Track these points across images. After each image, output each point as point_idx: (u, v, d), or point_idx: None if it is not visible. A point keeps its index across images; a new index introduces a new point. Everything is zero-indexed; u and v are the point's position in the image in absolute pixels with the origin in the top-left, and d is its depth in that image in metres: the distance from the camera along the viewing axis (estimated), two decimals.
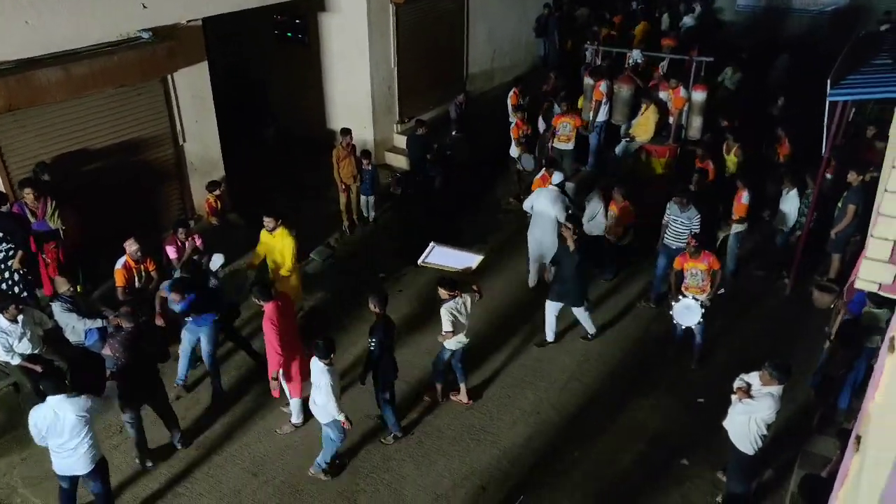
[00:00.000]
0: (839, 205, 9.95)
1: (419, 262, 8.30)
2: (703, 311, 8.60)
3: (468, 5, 15.32)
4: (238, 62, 14.66)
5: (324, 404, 6.92)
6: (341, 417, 6.97)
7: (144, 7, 8.85)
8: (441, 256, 8.26)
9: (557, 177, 10.15)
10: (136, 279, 8.75)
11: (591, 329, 9.49)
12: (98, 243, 9.26)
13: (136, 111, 9.77)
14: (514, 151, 12.62)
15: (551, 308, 9.26)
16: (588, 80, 13.06)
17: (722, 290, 9.30)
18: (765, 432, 6.48)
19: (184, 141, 10.39)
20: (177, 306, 7.92)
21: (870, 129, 11.69)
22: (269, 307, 7.35)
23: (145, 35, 9.20)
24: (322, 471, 7.49)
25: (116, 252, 8.62)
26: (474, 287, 8.01)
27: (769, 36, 20.04)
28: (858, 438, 1.81)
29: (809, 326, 9.54)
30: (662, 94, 12.78)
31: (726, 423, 6.79)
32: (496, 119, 13.97)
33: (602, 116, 13.17)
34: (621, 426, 8.22)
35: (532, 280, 10.55)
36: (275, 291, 7.63)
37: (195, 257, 9.56)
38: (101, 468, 6.59)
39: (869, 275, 3.86)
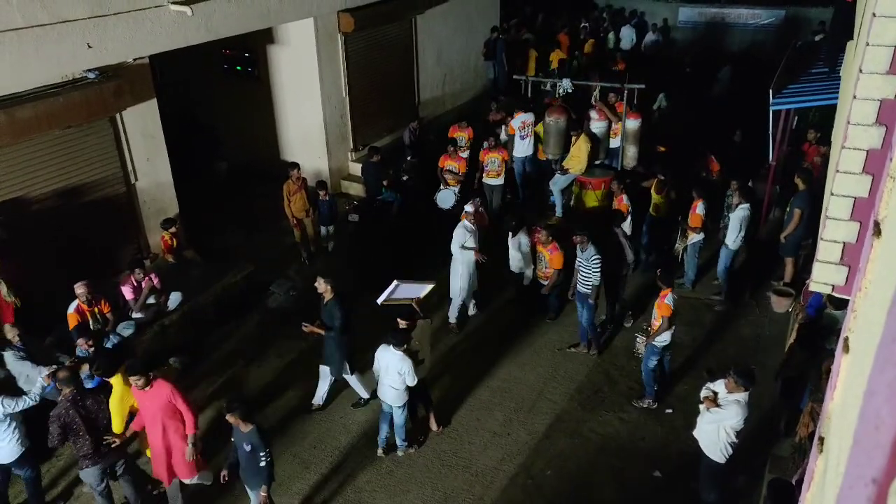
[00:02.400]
0: (787, 209, 10.19)
1: (379, 302, 8.14)
2: (637, 346, 8.73)
3: (416, 31, 15.43)
4: (186, 100, 14.53)
5: (402, 388, 7.52)
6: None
7: (90, 47, 8.73)
8: (399, 292, 8.18)
9: (469, 206, 9.99)
10: (91, 322, 8.55)
11: (362, 394, 8.73)
12: (52, 288, 9.04)
13: (86, 152, 9.59)
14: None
15: (322, 371, 8.65)
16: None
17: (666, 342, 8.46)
18: (734, 439, 6.54)
19: (136, 180, 10.22)
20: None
21: (811, 132, 12.03)
22: (159, 381, 6.76)
23: (91, 75, 9.07)
24: (408, 447, 8.10)
25: (71, 296, 8.43)
26: (421, 315, 8.02)
27: (711, 49, 20.60)
28: (822, 440, 1.83)
29: (770, 331, 9.70)
30: (596, 126, 12.28)
31: (696, 433, 6.85)
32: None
33: (523, 151, 12.92)
34: (593, 442, 8.23)
35: (451, 315, 10.13)
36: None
37: (153, 296, 9.41)
38: (28, 456, 7.04)
39: (822, 277, 3.94)
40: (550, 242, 9.54)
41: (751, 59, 19.17)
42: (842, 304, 7.46)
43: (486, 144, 12.44)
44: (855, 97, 3.45)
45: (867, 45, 3.35)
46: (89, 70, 9.03)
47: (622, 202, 10.63)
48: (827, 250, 3.83)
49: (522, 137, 12.79)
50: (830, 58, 10.33)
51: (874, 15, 3.30)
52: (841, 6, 8.57)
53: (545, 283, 9.86)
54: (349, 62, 13.47)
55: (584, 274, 9.09)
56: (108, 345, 8.53)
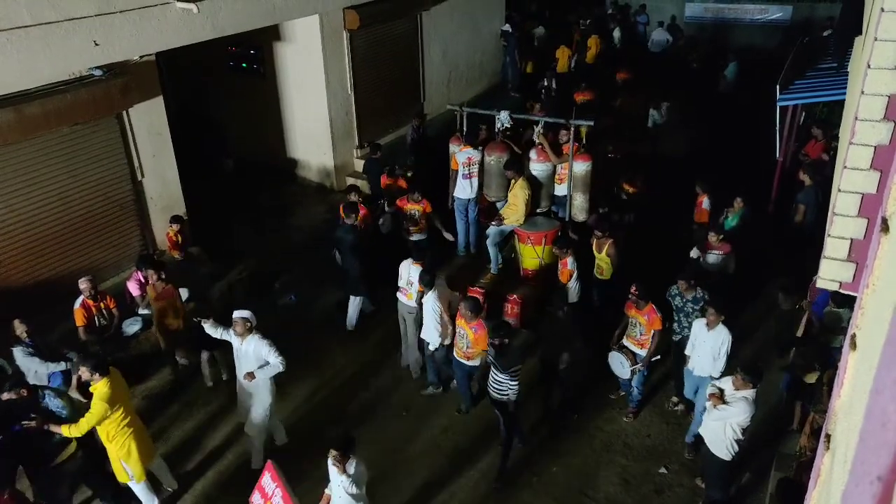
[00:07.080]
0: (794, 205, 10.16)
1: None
2: (632, 373, 8.04)
3: (422, 27, 15.43)
4: (192, 97, 14.56)
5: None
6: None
7: (96, 44, 8.75)
8: None
9: (241, 313, 7.59)
10: (98, 318, 8.58)
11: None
12: (58, 283, 9.08)
13: (92, 149, 9.63)
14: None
15: None
16: (452, 148, 11.10)
17: (658, 357, 8.16)
18: (740, 437, 6.52)
19: (142, 176, 10.26)
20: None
21: (814, 128, 11.97)
22: None
23: (98, 72, 9.10)
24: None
25: (76, 292, 8.47)
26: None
27: (717, 46, 20.51)
28: (828, 437, 1.82)
29: (778, 328, 9.63)
30: (537, 168, 10.38)
31: (702, 430, 6.83)
32: None
33: (466, 192, 10.94)
34: (598, 439, 8.22)
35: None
36: None
37: None
38: None
39: (829, 274, 3.92)
40: (475, 319, 7.69)
41: (758, 55, 19.09)
42: (845, 302, 7.43)
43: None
44: (863, 93, 3.43)
45: (875, 40, 3.34)
46: (96, 67, 9.07)
47: (566, 266, 9.01)
48: (834, 247, 3.81)
49: (465, 177, 10.83)
50: (838, 53, 10.28)
51: (882, 10, 3.29)
52: (849, 1, 8.52)
53: (467, 363, 8.06)
54: (354, 59, 13.48)
55: (498, 379, 7.30)
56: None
